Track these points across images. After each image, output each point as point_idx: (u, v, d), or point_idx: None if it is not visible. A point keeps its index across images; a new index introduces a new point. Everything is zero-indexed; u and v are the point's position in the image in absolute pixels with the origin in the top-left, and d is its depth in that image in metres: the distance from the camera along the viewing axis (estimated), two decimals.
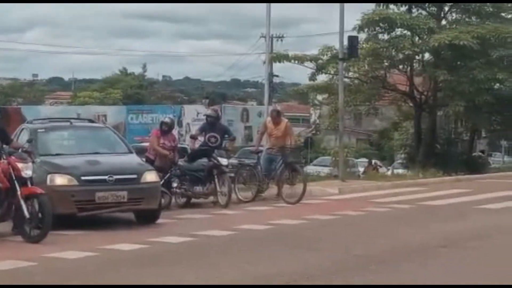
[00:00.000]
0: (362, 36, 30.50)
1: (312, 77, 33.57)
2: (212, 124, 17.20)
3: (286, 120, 19.27)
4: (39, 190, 11.40)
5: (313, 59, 32.21)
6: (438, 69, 30.12)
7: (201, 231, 12.71)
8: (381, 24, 30.58)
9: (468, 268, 10.11)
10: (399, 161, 42.02)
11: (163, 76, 47.56)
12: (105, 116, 32.46)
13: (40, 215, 11.18)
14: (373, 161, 44.14)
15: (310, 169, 34.13)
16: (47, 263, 10.03)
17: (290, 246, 11.87)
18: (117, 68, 56.42)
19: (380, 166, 43.19)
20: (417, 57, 31.37)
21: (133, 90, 44.48)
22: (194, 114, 32.43)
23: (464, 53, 29.46)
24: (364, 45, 30.25)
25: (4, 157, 11.69)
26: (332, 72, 30.60)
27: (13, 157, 11.55)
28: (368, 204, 17.29)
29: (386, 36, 31.12)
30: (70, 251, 10.62)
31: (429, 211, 16.74)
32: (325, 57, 31.30)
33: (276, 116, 18.37)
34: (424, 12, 31.97)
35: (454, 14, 32.95)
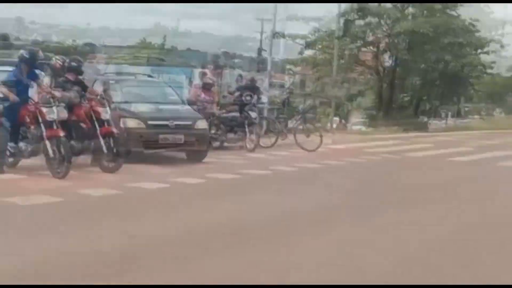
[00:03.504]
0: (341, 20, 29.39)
1: (301, 52, 32.60)
2: (247, 86, 16.33)
3: None
4: (114, 130, 10.79)
5: (303, 37, 30.97)
6: (400, 50, 29.32)
7: (242, 170, 11.94)
8: (358, 12, 29.32)
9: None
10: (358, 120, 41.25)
11: (172, 47, 46.97)
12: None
13: (115, 150, 10.60)
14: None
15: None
16: (129, 191, 9.24)
17: (317, 185, 11.24)
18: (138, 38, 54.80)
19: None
20: (384, 40, 30.06)
21: (155, 56, 43.02)
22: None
23: (420, 39, 28.69)
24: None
25: (86, 101, 10.94)
26: (319, 48, 29.94)
27: (93, 102, 10.88)
28: (363, 153, 16.55)
29: (362, 22, 29.79)
30: (144, 182, 9.87)
31: (416, 161, 16.02)
32: (312, 37, 30.28)
33: None
34: (388, 5, 30.74)
35: (410, 8, 31.74)
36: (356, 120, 40.66)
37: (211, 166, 12.27)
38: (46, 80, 10.83)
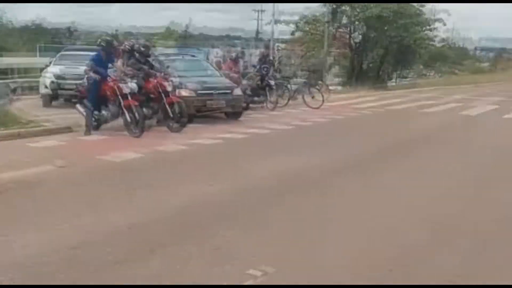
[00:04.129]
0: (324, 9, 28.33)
1: (292, 34, 31.44)
2: (264, 59, 15.32)
3: None
4: (177, 99, 10.09)
5: (294, 22, 29.83)
6: (368, 29, 28.28)
7: (269, 125, 11.36)
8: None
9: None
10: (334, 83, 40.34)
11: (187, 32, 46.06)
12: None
13: (178, 114, 9.94)
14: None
15: None
16: (193, 147, 8.65)
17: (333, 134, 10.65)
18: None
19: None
20: (356, 23, 28.95)
21: (181, 40, 42.02)
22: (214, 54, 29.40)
23: (383, 20, 27.39)
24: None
25: (153, 77, 10.21)
26: (306, 30, 28.99)
27: (159, 78, 10.19)
28: (354, 108, 15.81)
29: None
30: (201, 139, 9.27)
31: (400, 112, 15.47)
32: (301, 22, 29.21)
33: None
34: None
35: None
36: (333, 83, 39.78)
37: (247, 124, 11.59)
38: (120, 61, 10.08)
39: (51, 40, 41.45)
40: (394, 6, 27.50)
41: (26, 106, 13.27)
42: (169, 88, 10.05)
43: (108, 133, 9.58)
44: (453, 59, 49.73)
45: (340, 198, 5.75)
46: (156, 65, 10.63)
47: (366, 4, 27.71)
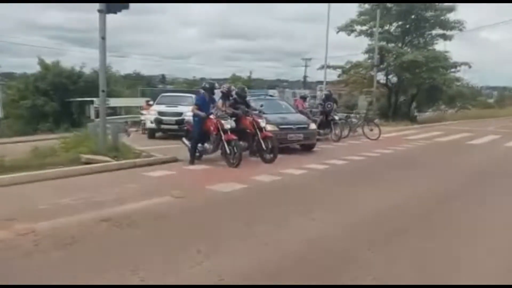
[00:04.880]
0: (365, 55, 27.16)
1: (339, 76, 29.88)
2: (328, 98, 14.04)
3: None
4: (270, 134, 9.08)
5: (341, 67, 28.41)
6: (403, 72, 26.51)
7: (345, 156, 10.00)
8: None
9: None
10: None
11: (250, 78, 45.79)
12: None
13: (270, 147, 8.91)
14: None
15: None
16: (286, 177, 7.51)
17: (408, 165, 9.16)
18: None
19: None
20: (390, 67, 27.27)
21: (245, 84, 41.73)
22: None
23: (416, 64, 25.53)
24: (368, 60, 26.89)
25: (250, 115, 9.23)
26: (352, 73, 27.60)
27: (254, 115, 9.23)
28: (406, 140, 14.32)
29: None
30: (290, 169, 8.12)
31: (448, 144, 13.60)
32: (347, 66, 27.83)
33: None
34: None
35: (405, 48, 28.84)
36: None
37: (322, 154, 10.39)
38: (220, 101, 9.21)
39: (146, 84, 42.24)
40: (425, 52, 25.93)
41: (133, 139, 12.69)
42: (263, 124, 9.07)
43: (208, 163, 8.65)
44: (468, 96, 46.77)
45: (464, 231, 4.46)
46: (251, 104, 9.71)
47: (401, 50, 26.21)
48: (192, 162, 8.56)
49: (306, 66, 50.96)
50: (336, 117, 13.42)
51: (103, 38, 8.56)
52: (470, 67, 26.81)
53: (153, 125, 13.86)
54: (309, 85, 50.12)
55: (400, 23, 27.95)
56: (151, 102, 16.88)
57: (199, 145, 8.69)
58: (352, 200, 5.95)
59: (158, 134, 14.11)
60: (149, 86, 39.59)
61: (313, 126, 10.90)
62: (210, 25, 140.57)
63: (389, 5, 26.23)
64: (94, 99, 22.25)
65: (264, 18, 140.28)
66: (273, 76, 64.82)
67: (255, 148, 9.04)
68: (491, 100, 56.11)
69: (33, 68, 31.07)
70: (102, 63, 8.70)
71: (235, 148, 8.23)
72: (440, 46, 27.98)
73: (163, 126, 13.80)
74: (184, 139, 9.13)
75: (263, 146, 8.87)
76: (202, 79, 54.43)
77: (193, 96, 16.64)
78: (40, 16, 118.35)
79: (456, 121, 27.31)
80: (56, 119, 23.81)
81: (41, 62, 25.61)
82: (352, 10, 42.83)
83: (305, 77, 51.75)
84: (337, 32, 26.61)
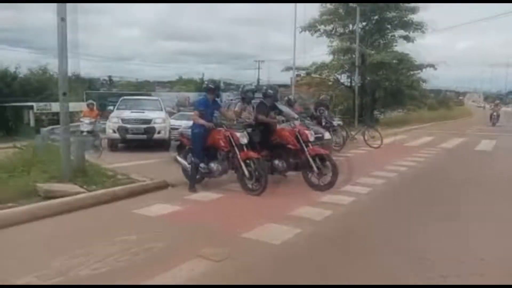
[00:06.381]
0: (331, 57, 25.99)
1: (302, 79, 28.59)
2: (320, 104, 12.30)
3: None
4: (322, 150, 6.78)
5: (306, 69, 27.09)
6: (369, 73, 25.64)
7: (374, 172, 8.19)
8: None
9: None
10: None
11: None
12: (188, 97, 28.61)
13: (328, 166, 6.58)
14: None
15: None
16: (335, 208, 5.52)
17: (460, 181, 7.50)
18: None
19: None
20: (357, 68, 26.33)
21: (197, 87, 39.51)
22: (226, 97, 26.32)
23: (383, 66, 24.86)
24: (333, 62, 25.74)
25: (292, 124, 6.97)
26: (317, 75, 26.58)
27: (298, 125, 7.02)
28: (408, 148, 12.89)
29: (343, 57, 26.10)
30: (329, 194, 6.24)
31: (456, 150, 12.28)
32: (313, 67, 26.47)
33: None
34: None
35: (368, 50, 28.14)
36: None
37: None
38: (238, 106, 7.01)
39: (88, 88, 38.42)
40: (392, 53, 25.31)
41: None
42: (312, 138, 6.67)
43: (216, 189, 6.43)
44: (420, 99, 47.82)
45: None
46: (285, 110, 7.33)
47: (368, 51, 25.31)
48: (193, 188, 6.33)
49: (259, 68, 49.84)
50: (334, 123, 11.63)
51: (63, 19, 6.17)
52: (435, 69, 26.46)
53: (117, 135, 11.31)
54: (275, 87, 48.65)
55: (364, 23, 27.13)
56: (94, 106, 13.07)
57: (202, 165, 6.43)
58: (463, 241, 4.12)
59: (120, 145, 11.63)
60: (90, 89, 36.20)
61: (327, 135, 9.13)
62: (152, 26, 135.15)
63: (353, 5, 25.19)
64: (33, 103, 19.29)
65: (206, 20, 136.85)
66: (222, 79, 62.72)
67: (300, 168, 6.69)
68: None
69: None
70: (61, 57, 6.25)
71: (257, 171, 6.04)
72: (408, 46, 27.30)
73: (129, 137, 11.30)
74: (178, 157, 6.81)
75: (314, 167, 6.48)
76: (147, 82, 50.97)
77: (159, 99, 14.25)
78: None
79: (428, 124, 27.11)
80: None
81: None
82: (312, 11, 41.71)
83: (258, 80, 50.50)
84: (300, 32, 25.17)
